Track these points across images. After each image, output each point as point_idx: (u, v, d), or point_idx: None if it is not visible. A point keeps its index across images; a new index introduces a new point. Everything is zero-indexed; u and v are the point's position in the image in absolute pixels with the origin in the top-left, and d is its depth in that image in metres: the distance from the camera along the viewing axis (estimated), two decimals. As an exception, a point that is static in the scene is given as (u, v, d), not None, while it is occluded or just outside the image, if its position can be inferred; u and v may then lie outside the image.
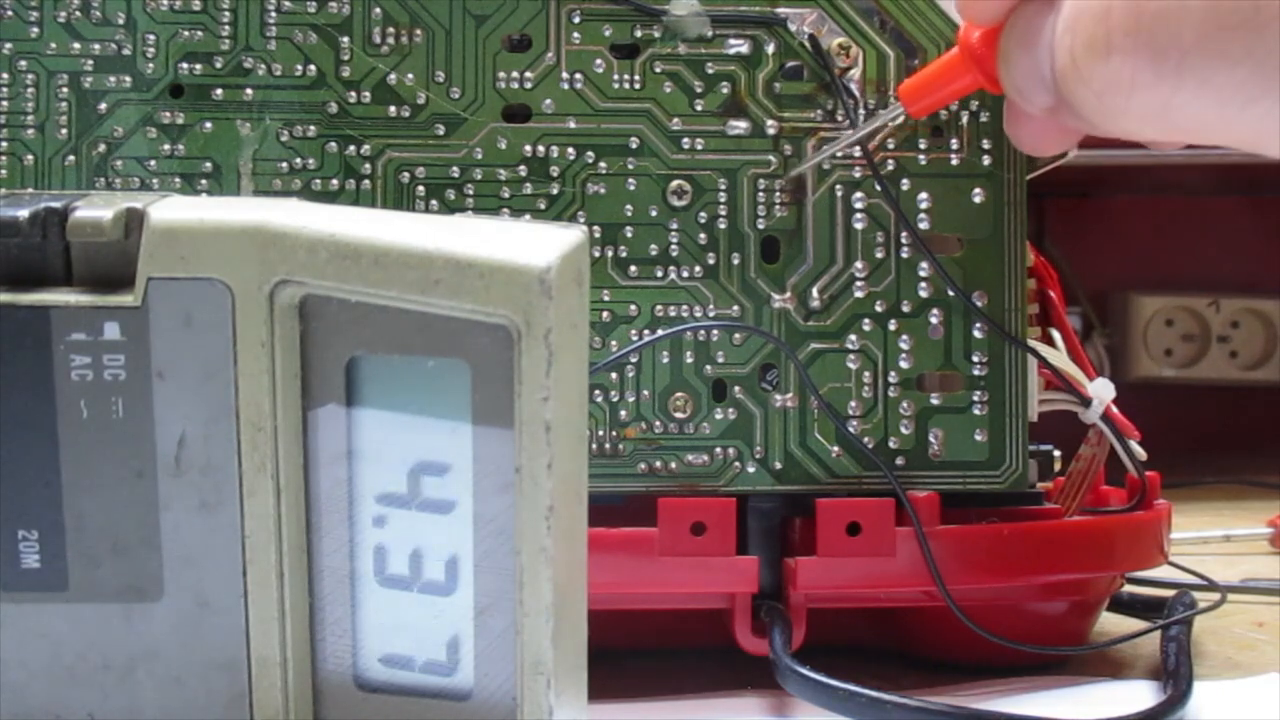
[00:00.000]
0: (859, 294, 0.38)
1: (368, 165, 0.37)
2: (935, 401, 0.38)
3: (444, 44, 0.37)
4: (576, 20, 0.38)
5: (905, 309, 0.38)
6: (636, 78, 0.38)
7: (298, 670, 0.27)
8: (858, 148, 0.38)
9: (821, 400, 0.38)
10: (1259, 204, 0.84)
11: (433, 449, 0.27)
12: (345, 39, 0.37)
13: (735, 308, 0.38)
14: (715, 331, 0.38)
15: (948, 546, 0.36)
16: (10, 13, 0.37)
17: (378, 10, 0.37)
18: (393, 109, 0.37)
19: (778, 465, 0.38)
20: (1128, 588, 0.43)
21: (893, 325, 0.38)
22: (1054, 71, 0.32)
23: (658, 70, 0.38)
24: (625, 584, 0.36)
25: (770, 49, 0.38)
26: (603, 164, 0.38)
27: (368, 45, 0.37)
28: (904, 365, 0.38)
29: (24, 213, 0.26)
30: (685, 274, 0.38)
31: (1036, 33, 0.33)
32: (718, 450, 0.38)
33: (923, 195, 0.38)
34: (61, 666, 0.27)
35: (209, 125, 0.37)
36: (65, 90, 0.37)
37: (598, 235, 0.37)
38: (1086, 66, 0.31)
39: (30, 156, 0.37)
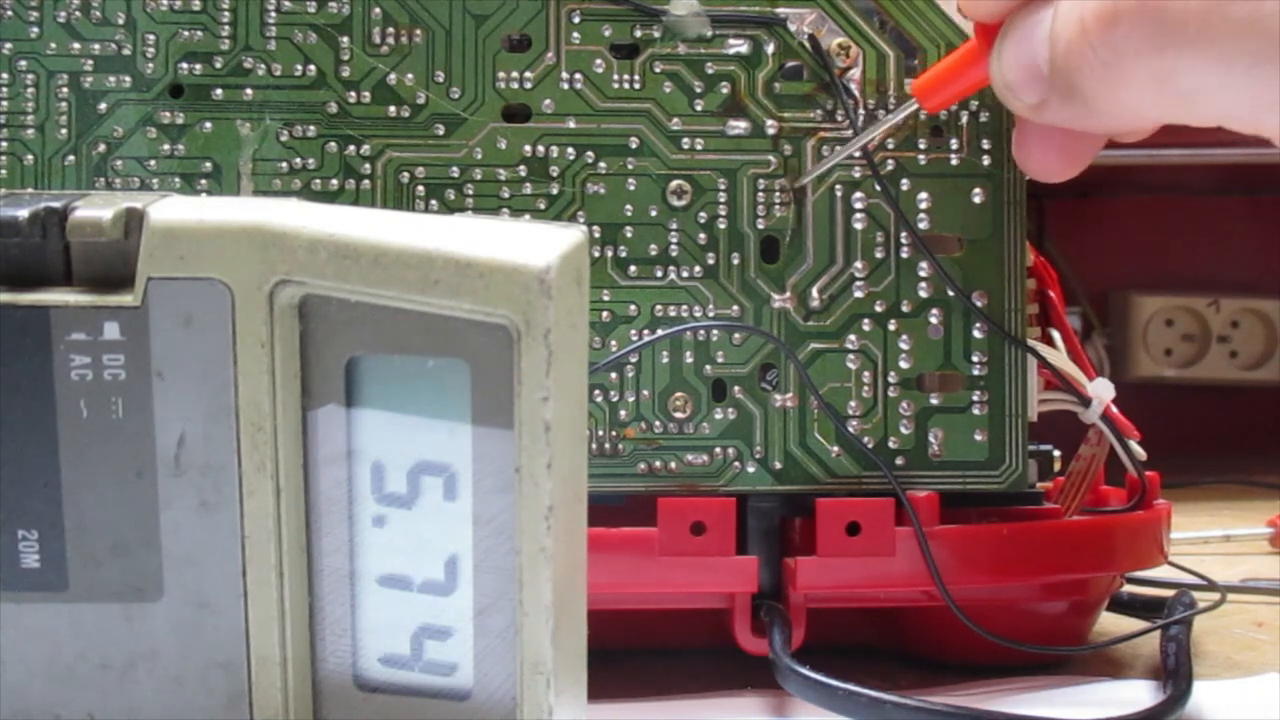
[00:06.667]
0: (859, 294, 0.38)
1: (368, 165, 0.37)
2: (935, 401, 0.38)
3: (444, 44, 0.37)
4: (576, 20, 0.38)
5: (905, 309, 0.38)
6: (636, 78, 0.38)
7: (297, 670, 0.27)
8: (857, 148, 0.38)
9: (821, 400, 0.38)
10: (1259, 204, 0.84)
11: (433, 449, 0.27)
12: (345, 39, 0.37)
13: (735, 308, 0.38)
14: (715, 331, 0.38)
15: (947, 546, 0.36)
16: (10, 13, 0.37)
17: (378, 10, 0.37)
18: (393, 109, 0.37)
19: (777, 465, 0.38)
20: (1127, 588, 0.43)
21: (892, 325, 0.38)
22: (1054, 54, 0.33)
23: (657, 70, 0.38)
24: (625, 584, 0.36)
25: (770, 49, 0.38)
26: (602, 164, 0.38)
27: (368, 45, 0.37)
28: (904, 365, 0.38)
29: (24, 212, 0.26)
30: (685, 274, 0.38)
31: (1034, 25, 0.33)
32: (717, 450, 0.38)
33: (922, 195, 0.38)
34: (61, 666, 0.27)
35: (209, 125, 0.37)
36: (65, 90, 0.37)
37: (598, 235, 0.37)
38: (1096, 34, 0.31)
39: (30, 156, 0.37)
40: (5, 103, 0.37)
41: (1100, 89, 0.32)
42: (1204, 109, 0.31)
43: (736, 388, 0.38)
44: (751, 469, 0.38)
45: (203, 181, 0.37)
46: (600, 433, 0.37)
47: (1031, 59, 0.34)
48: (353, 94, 0.37)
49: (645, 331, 0.38)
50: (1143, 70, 0.31)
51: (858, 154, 0.38)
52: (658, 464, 0.37)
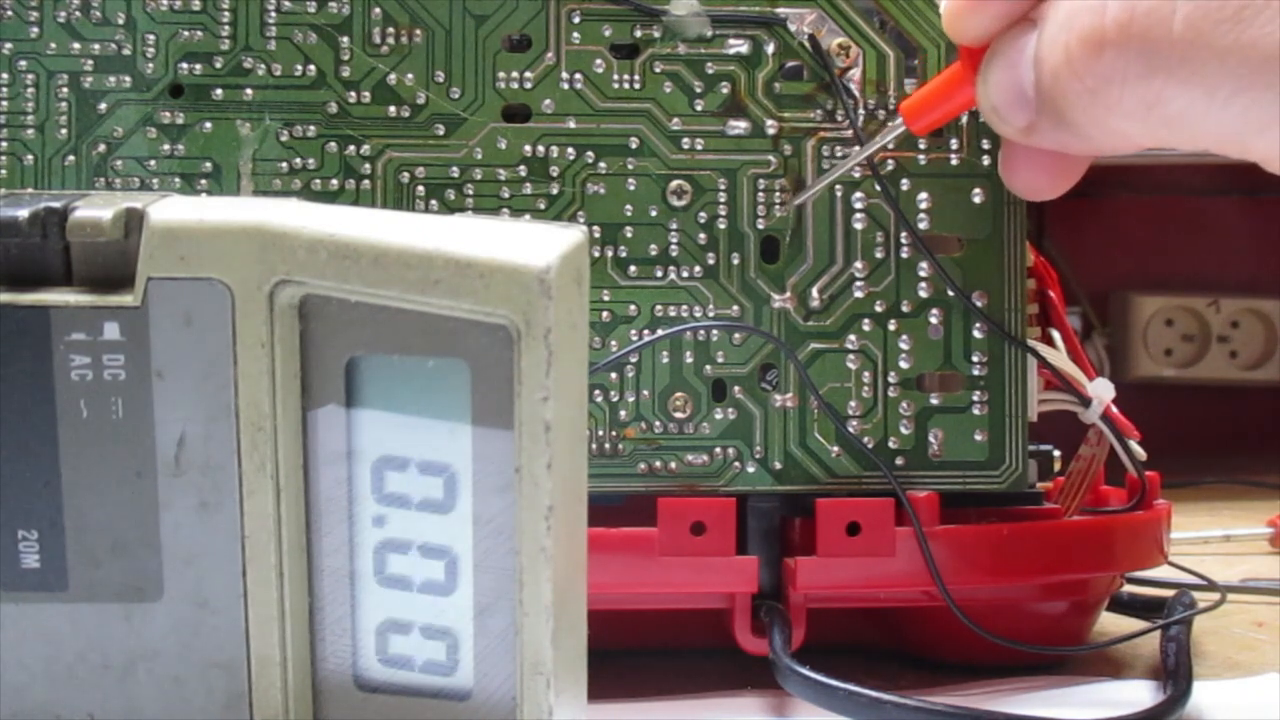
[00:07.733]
0: (859, 294, 0.38)
1: (368, 165, 0.37)
2: (935, 401, 0.38)
3: (444, 44, 0.37)
4: (576, 20, 0.38)
5: (905, 309, 0.38)
6: (636, 78, 0.38)
7: (297, 670, 0.27)
8: (856, 145, 0.38)
9: (821, 400, 0.38)
10: (1259, 204, 0.84)
11: (433, 449, 0.27)
12: (345, 39, 0.37)
13: (735, 308, 0.38)
14: (715, 331, 0.38)
15: (947, 546, 0.36)
16: (10, 13, 0.37)
17: (378, 10, 0.37)
18: (393, 109, 0.37)
19: (777, 465, 0.38)
20: (1128, 588, 0.43)
21: (892, 325, 0.38)
22: (1040, 79, 0.33)
23: (657, 70, 0.38)
24: (625, 584, 0.36)
25: (770, 49, 0.38)
26: (602, 164, 0.38)
27: (368, 45, 0.37)
28: (904, 365, 0.38)
29: (24, 213, 0.26)
30: (685, 274, 0.38)
31: (1020, 50, 0.33)
32: (717, 450, 0.38)
33: (922, 195, 0.38)
34: (61, 666, 0.27)
35: (209, 125, 0.37)
36: (65, 90, 0.37)
37: (598, 235, 0.37)
38: (1081, 61, 0.31)
39: (30, 156, 0.37)
40: (5, 103, 0.37)
41: (1087, 115, 0.32)
42: (1191, 134, 0.31)
43: (736, 388, 0.38)
44: (751, 469, 0.38)
45: (203, 181, 0.37)
46: (600, 433, 0.37)
47: (1017, 83, 0.33)
48: (353, 94, 0.37)
49: (645, 331, 0.38)
50: (1129, 97, 0.31)
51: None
52: (658, 464, 0.37)
